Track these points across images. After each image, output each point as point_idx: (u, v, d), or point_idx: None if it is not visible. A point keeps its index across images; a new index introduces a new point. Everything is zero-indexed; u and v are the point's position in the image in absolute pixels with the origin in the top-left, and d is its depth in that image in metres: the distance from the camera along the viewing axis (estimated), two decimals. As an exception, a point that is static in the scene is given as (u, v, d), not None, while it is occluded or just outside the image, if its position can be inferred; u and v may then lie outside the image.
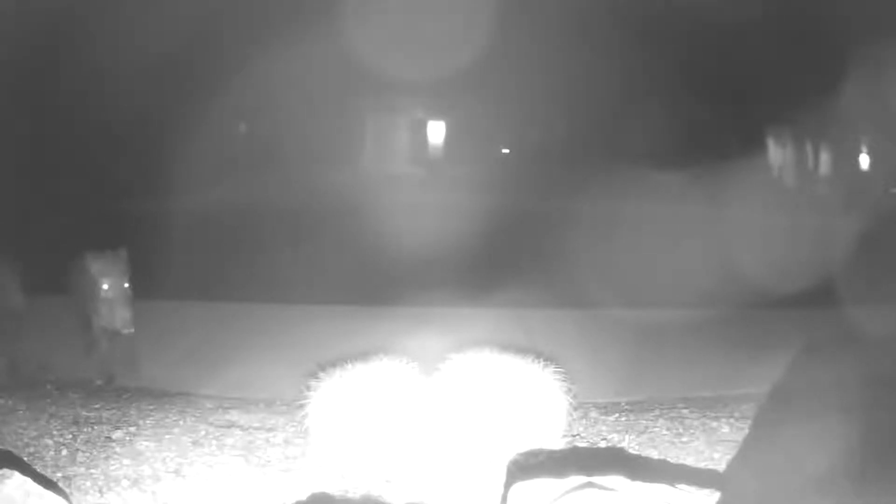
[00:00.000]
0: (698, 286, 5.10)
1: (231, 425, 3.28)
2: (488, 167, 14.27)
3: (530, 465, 2.58)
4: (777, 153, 15.13)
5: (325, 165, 12.91)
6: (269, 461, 2.89)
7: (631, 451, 2.98)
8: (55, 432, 3.12)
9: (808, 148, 14.92)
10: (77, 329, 4.15)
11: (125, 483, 2.64)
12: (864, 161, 14.24)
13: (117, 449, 2.96)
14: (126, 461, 2.83)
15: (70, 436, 3.10)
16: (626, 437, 3.14)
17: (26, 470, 2.25)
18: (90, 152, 11.14)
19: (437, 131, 16.89)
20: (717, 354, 4.52)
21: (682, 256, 6.42)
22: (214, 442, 3.08)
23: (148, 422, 3.30)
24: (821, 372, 3.25)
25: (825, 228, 7.77)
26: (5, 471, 2.13)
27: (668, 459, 2.89)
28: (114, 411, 3.46)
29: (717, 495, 2.14)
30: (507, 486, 2.26)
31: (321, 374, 2.95)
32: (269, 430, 3.23)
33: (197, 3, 10.49)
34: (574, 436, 3.11)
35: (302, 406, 2.91)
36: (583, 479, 2.01)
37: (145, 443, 3.03)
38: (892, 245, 6.28)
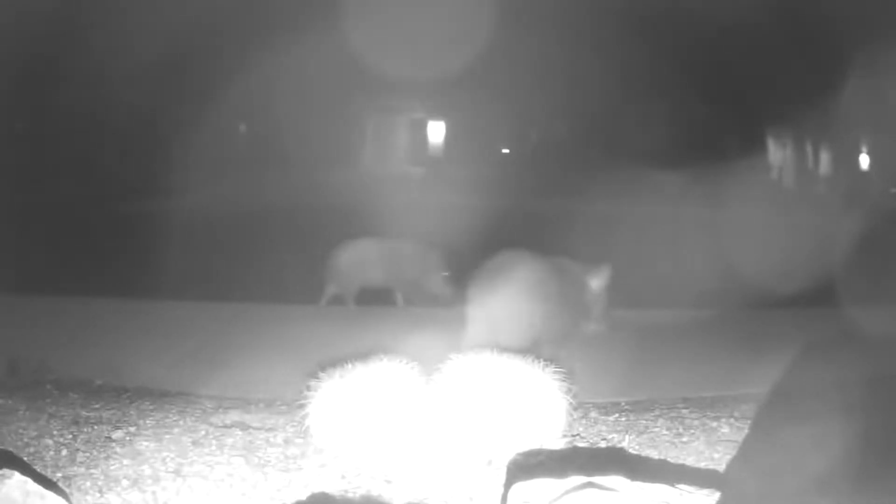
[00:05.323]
0: (698, 286, 5.10)
1: (231, 425, 3.28)
2: (488, 167, 14.27)
3: (530, 465, 2.58)
4: (777, 153, 15.13)
5: (324, 165, 12.91)
6: (269, 461, 2.89)
7: (631, 451, 2.98)
8: (55, 432, 3.12)
9: (808, 148, 14.93)
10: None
11: (125, 483, 2.64)
12: (864, 161, 14.24)
13: (117, 449, 2.96)
14: (126, 461, 2.83)
15: (70, 436, 3.09)
16: (626, 437, 3.14)
17: (26, 470, 2.25)
18: (88, 152, 11.14)
19: (437, 131, 16.89)
20: (717, 354, 4.52)
21: (683, 256, 6.43)
22: (214, 442, 3.08)
23: (148, 422, 3.30)
24: (821, 372, 3.25)
25: (825, 228, 7.77)
26: (5, 471, 2.13)
27: (668, 459, 2.88)
28: (114, 411, 3.46)
29: (717, 495, 2.14)
30: (507, 486, 2.27)
31: (321, 374, 2.95)
32: (269, 430, 3.23)
33: (197, 2, 10.48)
34: (574, 436, 3.11)
35: (302, 406, 2.91)
36: (583, 479, 2.02)
37: (145, 443, 3.03)
38: (893, 245, 6.28)
